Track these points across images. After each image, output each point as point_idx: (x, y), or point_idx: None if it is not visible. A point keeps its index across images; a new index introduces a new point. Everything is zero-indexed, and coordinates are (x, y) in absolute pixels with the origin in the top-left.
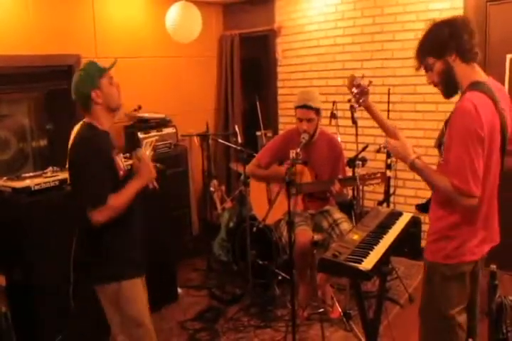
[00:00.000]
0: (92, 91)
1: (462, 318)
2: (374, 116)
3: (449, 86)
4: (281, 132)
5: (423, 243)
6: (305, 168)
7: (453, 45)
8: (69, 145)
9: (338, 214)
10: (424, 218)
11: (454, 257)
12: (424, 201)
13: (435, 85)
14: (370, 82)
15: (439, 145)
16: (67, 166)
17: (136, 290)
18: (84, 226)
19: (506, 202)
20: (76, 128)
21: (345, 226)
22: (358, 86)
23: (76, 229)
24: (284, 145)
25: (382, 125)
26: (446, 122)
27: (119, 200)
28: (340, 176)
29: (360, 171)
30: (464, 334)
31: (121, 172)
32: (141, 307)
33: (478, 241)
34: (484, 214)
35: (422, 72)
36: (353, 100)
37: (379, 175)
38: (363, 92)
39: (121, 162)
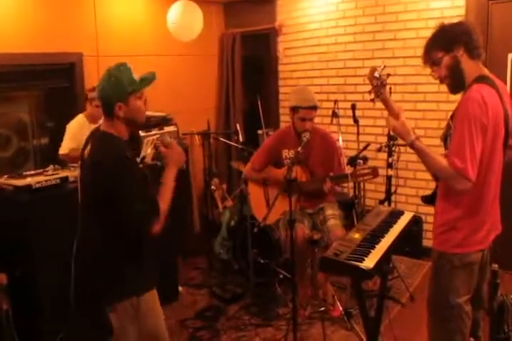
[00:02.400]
0: (117, 104)
1: (469, 307)
2: (389, 108)
3: (456, 80)
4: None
5: (424, 242)
6: (299, 167)
7: (463, 41)
8: (89, 156)
9: (329, 211)
10: (426, 217)
11: (462, 247)
12: (430, 193)
13: (442, 80)
14: (389, 74)
15: (445, 138)
16: (87, 178)
17: (154, 302)
18: (99, 246)
19: (507, 197)
20: (93, 136)
21: (332, 222)
22: (379, 78)
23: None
24: (276, 146)
25: (390, 109)
26: (452, 116)
27: (166, 202)
28: (331, 174)
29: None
30: (470, 323)
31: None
32: (158, 320)
33: (486, 231)
34: (490, 204)
35: (423, 71)
36: (372, 93)
37: (369, 170)
38: (381, 85)
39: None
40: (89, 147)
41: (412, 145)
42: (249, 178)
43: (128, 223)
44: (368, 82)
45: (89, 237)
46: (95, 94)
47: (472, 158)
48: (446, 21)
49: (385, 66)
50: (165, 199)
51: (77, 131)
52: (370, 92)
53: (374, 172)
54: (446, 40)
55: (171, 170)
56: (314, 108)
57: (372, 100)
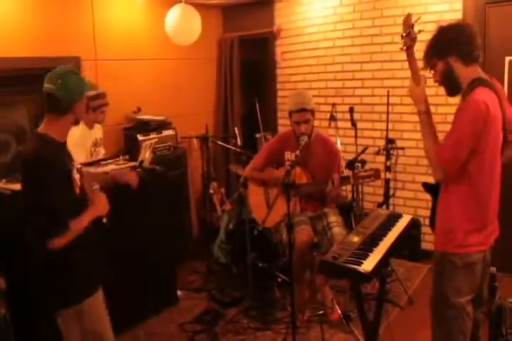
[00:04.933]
0: (77, 102)
1: (471, 308)
2: (412, 68)
3: (450, 85)
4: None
5: (423, 245)
6: (301, 170)
7: (453, 48)
8: (23, 158)
9: (333, 218)
10: (424, 220)
11: (463, 247)
12: (433, 182)
13: (439, 84)
14: (420, 30)
15: None
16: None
17: (96, 303)
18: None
19: (506, 199)
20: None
21: (337, 230)
22: (412, 27)
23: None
24: (279, 148)
25: (413, 72)
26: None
27: (78, 225)
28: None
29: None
30: (471, 324)
31: (78, 188)
32: (103, 321)
33: (487, 232)
34: (492, 206)
35: (422, 73)
36: (401, 42)
37: (371, 172)
38: (411, 37)
39: (76, 177)
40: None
41: (418, 114)
42: (250, 178)
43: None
44: (366, 84)
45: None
46: (101, 100)
47: (454, 156)
48: (446, 23)
49: (419, 18)
50: (80, 222)
51: (80, 140)
52: (402, 37)
53: (376, 173)
54: (439, 47)
55: (91, 211)
56: (304, 110)
57: (401, 48)
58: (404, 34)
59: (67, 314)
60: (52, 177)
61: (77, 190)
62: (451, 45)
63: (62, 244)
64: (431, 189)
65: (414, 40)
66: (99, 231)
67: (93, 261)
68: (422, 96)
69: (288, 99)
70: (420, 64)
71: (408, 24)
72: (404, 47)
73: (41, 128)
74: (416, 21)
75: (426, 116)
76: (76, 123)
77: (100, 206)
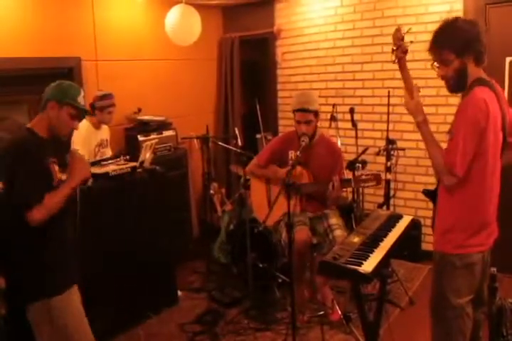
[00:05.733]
0: (51, 101)
1: (470, 308)
2: (404, 79)
3: (459, 83)
4: (280, 134)
5: (423, 246)
6: (304, 170)
7: (473, 47)
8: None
9: (334, 220)
10: (425, 220)
11: (463, 248)
12: (433, 188)
13: (443, 78)
14: (411, 41)
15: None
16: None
17: (68, 301)
18: (17, 240)
19: (505, 200)
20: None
21: (339, 233)
22: (402, 39)
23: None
24: (283, 147)
25: (406, 84)
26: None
27: (53, 199)
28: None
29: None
30: (471, 324)
31: (56, 181)
32: (75, 319)
33: (486, 233)
34: (491, 206)
35: (422, 74)
36: (394, 55)
37: (372, 177)
38: (402, 49)
39: (58, 173)
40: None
41: (418, 126)
42: (251, 174)
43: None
44: (367, 85)
45: (8, 233)
46: (108, 101)
47: (462, 156)
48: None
49: (410, 28)
50: (53, 197)
51: (85, 140)
52: (392, 51)
53: (377, 179)
54: (460, 44)
55: (68, 181)
56: (305, 111)
57: (394, 61)
58: (394, 48)
59: (35, 309)
60: (25, 168)
61: (55, 183)
62: (471, 42)
63: (41, 216)
64: (432, 195)
65: (405, 52)
66: (73, 230)
67: (67, 259)
68: (419, 108)
69: (292, 98)
70: (420, 65)
71: (398, 37)
72: (396, 60)
73: (29, 123)
74: (406, 33)
75: (425, 125)
76: (51, 131)
77: (77, 171)
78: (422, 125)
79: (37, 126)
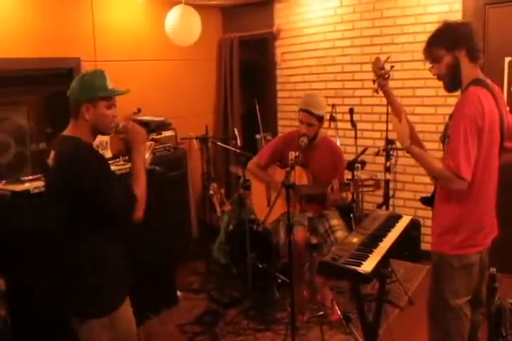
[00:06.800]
0: (84, 104)
1: (468, 309)
2: (391, 103)
3: (453, 79)
4: (281, 133)
5: (423, 246)
6: (303, 171)
7: (463, 42)
8: (55, 162)
9: (335, 221)
10: (424, 221)
11: (461, 248)
12: (429, 195)
13: (439, 77)
14: (392, 66)
15: (444, 139)
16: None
17: (128, 307)
18: (81, 248)
19: (504, 201)
20: (56, 142)
21: (340, 234)
22: (382, 68)
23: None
24: (283, 147)
25: (394, 108)
26: (451, 116)
27: (140, 188)
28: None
29: (359, 174)
30: (469, 325)
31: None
32: (131, 327)
33: (484, 233)
34: (488, 206)
35: (421, 74)
36: (376, 84)
37: (372, 182)
38: (384, 77)
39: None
40: (52, 154)
41: (407, 150)
42: (251, 173)
43: (110, 211)
44: (366, 85)
45: (67, 248)
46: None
47: (466, 158)
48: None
49: (388, 57)
50: (139, 185)
51: None
52: (374, 82)
53: (376, 185)
54: (449, 39)
55: (136, 155)
56: (309, 112)
57: (376, 91)
58: (378, 75)
59: (99, 323)
60: (107, 174)
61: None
62: (461, 38)
63: (142, 212)
64: (429, 202)
65: (387, 78)
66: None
67: (121, 261)
68: (406, 132)
69: (301, 97)
70: (419, 65)
71: (378, 66)
72: (382, 87)
73: (67, 131)
74: (386, 60)
75: (413, 147)
76: (96, 132)
77: (137, 139)
78: (410, 148)
79: (78, 133)
